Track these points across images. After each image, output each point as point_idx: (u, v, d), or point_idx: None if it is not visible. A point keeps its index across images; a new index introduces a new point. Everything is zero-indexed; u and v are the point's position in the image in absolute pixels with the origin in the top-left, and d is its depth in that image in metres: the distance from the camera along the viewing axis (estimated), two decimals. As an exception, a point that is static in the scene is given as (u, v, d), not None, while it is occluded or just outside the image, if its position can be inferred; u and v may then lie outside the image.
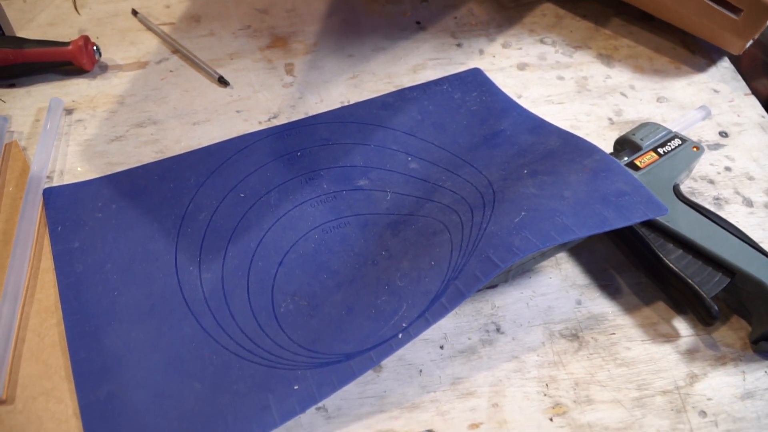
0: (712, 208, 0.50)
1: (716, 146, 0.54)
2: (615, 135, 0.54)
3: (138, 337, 0.42)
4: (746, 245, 0.42)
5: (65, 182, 0.50)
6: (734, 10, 0.54)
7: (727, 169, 0.52)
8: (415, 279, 0.41)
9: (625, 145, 0.49)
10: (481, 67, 0.58)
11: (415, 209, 0.48)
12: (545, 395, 0.40)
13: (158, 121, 0.54)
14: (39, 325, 0.42)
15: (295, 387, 0.38)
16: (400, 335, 0.39)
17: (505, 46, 0.61)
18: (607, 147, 0.52)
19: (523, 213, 0.41)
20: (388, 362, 0.41)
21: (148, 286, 0.44)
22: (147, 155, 0.52)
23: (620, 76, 0.59)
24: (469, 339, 0.42)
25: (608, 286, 0.45)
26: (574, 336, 0.43)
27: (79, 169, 0.50)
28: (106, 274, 0.45)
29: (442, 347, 0.42)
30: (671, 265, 0.42)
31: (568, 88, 0.58)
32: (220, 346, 0.41)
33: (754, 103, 0.57)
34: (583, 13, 0.64)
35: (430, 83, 0.57)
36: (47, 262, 0.45)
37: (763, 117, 0.56)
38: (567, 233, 0.40)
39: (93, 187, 0.49)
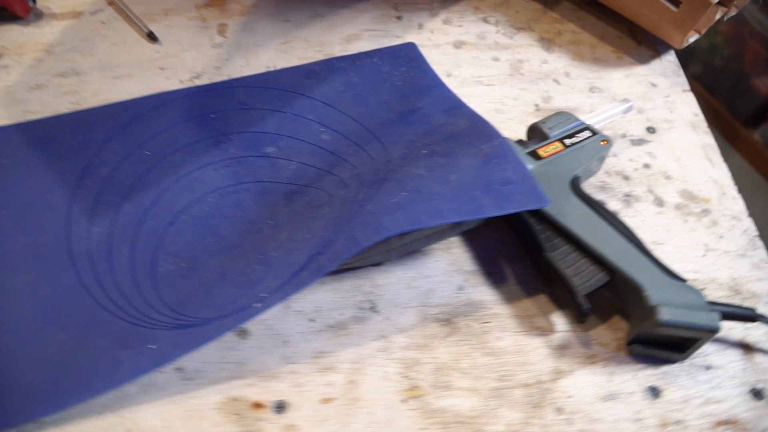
0: (620, 205, 0.49)
1: (640, 142, 0.52)
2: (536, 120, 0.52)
3: (17, 284, 0.42)
4: (631, 245, 0.42)
5: (-22, 126, 0.50)
6: (674, 1, 0.52)
7: (646, 166, 0.51)
8: (286, 250, 0.41)
9: (535, 132, 0.48)
10: (417, 42, 0.57)
11: (313, 181, 0.47)
12: (404, 377, 0.40)
13: (81, 73, 0.54)
14: None
15: (150, 346, 0.39)
16: (257, 305, 0.39)
17: (445, 22, 0.60)
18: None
19: (404, 193, 0.41)
20: (256, 330, 0.42)
21: (36, 235, 0.45)
22: (64, 106, 0.52)
23: (557, 61, 0.57)
24: (342, 315, 0.42)
25: (494, 274, 0.45)
26: (448, 321, 0.42)
27: (-6, 114, 0.51)
28: (1, 220, 0.45)
29: (312, 320, 0.42)
30: (549, 257, 0.42)
31: (501, 70, 0.56)
32: (92, 300, 0.42)
33: (689, 100, 0.56)
34: (535, -7, 0.63)
35: (360, 54, 0.57)
36: (-57, 203, 0.46)
37: (696, 115, 0.55)
38: (438, 217, 0.39)
39: (3, 134, 0.50)
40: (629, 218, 0.48)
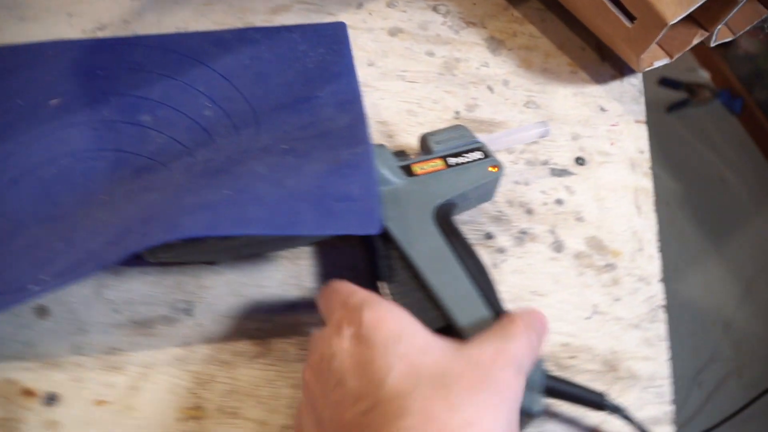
0: (511, 242, 0.42)
1: (562, 173, 0.45)
2: (448, 132, 0.46)
3: None
4: (479, 296, 0.35)
5: None
6: (629, 16, 0.44)
7: (558, 202, 0.44)
8: (90, 233, 0.38)
9: (423, 145, 0.42)
10: (350, 24, 0.52)
11: (172, 159, 0.43)
12: (192, 393, 0.36)
13: (-10, 8, 0.52)
14: None
15: None
16: (34, 287, 0.35)
17: (389, 4, 0.53)
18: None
19: (227, 192, 0.36)
20: (58, 311, 0.39)
21: None
22: (-40, 40, 0.50)
23: (500, 66, 0.50)
24: (152, 312, 0.39)
25: (335, 297, 0.40)
26: (263, 340, 0.38)
27: None
28: None
29: (118, 311, 0.39)
30: (380, 287, 0.36)
31: (432, 67, 0.50)
32: None
33: (640, 134, 0.48)
34: (502, -15, 0.55)
35: (280, 28, 0.51)
36: None
37: (641, 153, 0.47)
38: (241, 227, 0.34)
39: None
40: (516, 259, 0.41)
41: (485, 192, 0.42)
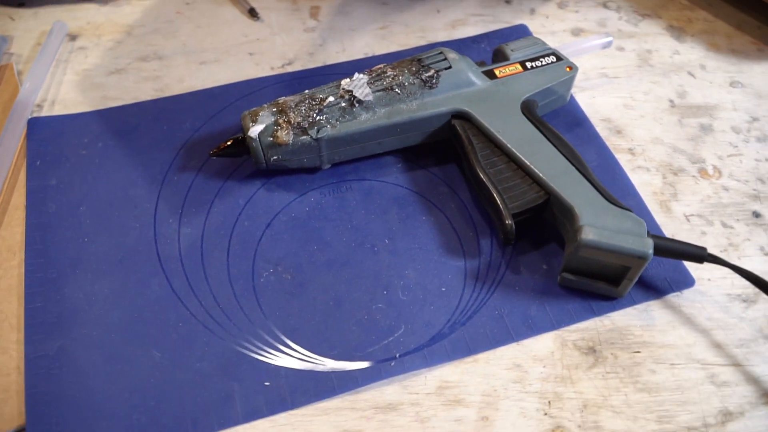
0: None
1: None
2: (673, 119, 0.46)
3: (101, 290, 0.38)
4: (573, 168, 0.38)
5: (55, 113, 0.46)
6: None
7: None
8: (419, 300, 0.37)
9: (498, 55, 0.45)
10: (531, 29, 0.51)
11: (426, 190, 0.42)
12: (546, 415, 0.34)
13: (164, 57, 0.49)
14: (-2, 265, 0.38)
15: (266, 383, 0.34)
16: (392, 363, 0.34)
17: (561, 6, 0.54)
18: (664, 131, 0.45)
19: None
20: (370, 353, 0.36)
21: (121, 235, 0.40)
22: (145, 92, 0.47)
23: (690, 52, 0.51)
24: (467, 337, 0.37)
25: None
26: (590, 349, 0.36)
27: (71, 99, 0.46)
28: (79, 218, 0.41)
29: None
30: (478, 170, 0.39)
31: (628, 61, 0.50)
32: (188, 313, 0.37)
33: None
34: (659, -24, 0.56)
35: (466, 40, 0.51)
36: (19, 198, 0.41)
37: None
38: None
39: (82, 121, 0.45)
40: None
41: (562, 92, 0.45)
